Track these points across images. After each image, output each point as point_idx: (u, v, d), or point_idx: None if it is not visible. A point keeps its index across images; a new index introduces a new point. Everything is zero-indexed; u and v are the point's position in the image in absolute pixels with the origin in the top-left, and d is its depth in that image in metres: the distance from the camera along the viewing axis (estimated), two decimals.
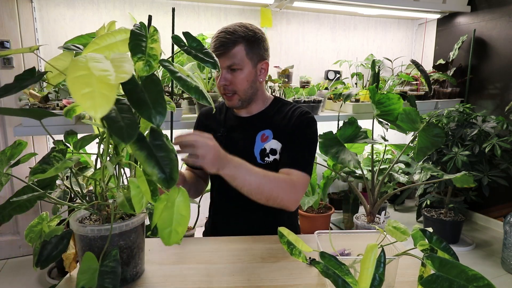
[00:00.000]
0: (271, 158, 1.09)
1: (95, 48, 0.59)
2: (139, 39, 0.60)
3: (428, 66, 2.74)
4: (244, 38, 1.01)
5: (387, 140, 1.81)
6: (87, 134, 0.77)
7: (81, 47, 0.71)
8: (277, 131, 1.09)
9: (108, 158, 0.69)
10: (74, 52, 0.69)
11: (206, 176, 1.29)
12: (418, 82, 2.42)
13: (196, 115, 1.52)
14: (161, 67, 0.64)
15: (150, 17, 0.73)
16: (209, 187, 1.28)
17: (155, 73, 0.60)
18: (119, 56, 0.54)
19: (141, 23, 0.63)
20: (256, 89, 1.10)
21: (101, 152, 0.70)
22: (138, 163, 0.71)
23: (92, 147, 0.78)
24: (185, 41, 0.70)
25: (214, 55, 0.70)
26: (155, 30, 0.64)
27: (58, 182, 0.79)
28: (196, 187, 1.20)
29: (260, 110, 1.15)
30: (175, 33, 0.71)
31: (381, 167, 1.98)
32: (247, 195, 0.91)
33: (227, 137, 1.14)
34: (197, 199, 1.97)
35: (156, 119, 0.54)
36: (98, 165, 0.73)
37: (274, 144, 1.09)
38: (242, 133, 1.13)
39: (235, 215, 1.15)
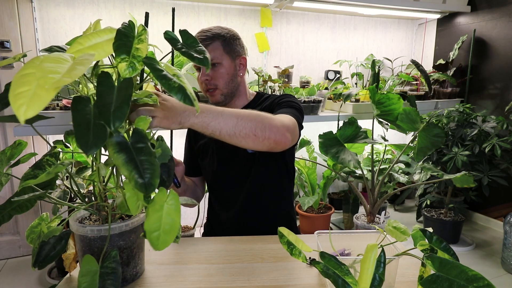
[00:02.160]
0: None
1: (78, 49, 0.55)
2: (125, 39, 0.57)
3: (428, 66, 2.74)
4: (220, 35, 1.08)
5: (387, 140, 1.81)
6: None
7: (66, 47, 0.67)
8: None
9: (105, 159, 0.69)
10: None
11: (203, 184, 1.29)
12: (418, 82, 2.42)
13: None
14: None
15: (147, 14, 0.72)
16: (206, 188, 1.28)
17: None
18: (85, 58, 0.50)
19: (130, 22, 0.61)
20: (238, 83, 1.13)
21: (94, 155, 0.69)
22: None
23: None
24: (180, 38, 0.68)
25: (207, 53, 0.67)
26: (144, 29, 0.61)
27: (58, 182, 0.79)
28: (193, 194, 1.20)
29: (243, 105, 1.17)
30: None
31: (381, 167, 1.98)
32: (230, 141, 0.80)
33: (214, 140, 1.14)
34: None
35: (114, 124, 0.50)
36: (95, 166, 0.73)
37: None
38: None
39: (231, 218, 1.15)
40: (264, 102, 1.15)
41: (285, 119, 0.91)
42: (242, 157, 1.11)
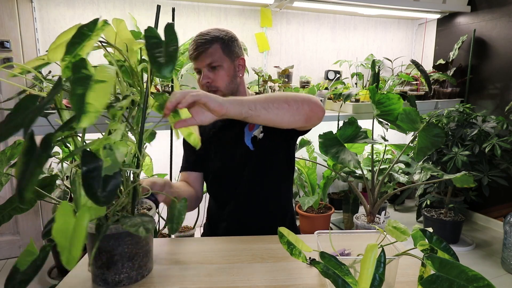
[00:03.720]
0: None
1: (56, 45, 0.60)
2: (78, 39, 0.57)
3: (428, 66, 2.74)
4: (218, 37, 1.09)
5: (387, 140, 1.81)
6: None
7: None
8: None
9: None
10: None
11: (201, 182, 1.24)
12: (418, 82, 2.42)
13: None
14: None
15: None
16: (205, 188, 1.27)
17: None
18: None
19: (96, 19, 0.59)
20: (237, 84, 1.14)
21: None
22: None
23: None
24: (162, 35, 0.61)
25: (174, 58, 0.57)
26: (104, 25, 0.61)
27: (58, 182, 0.79)
28: (193, 200, 1.15)
29: None
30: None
31: (381, 167, 1.98)
32: (267, 115, 0.83)
33: (217, 137, 1.16)
34: None
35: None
36: None
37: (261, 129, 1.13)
38: (231, 129, 1.16)
39: (231, 218, 1.15)
40: None
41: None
42: (242, 156, 1.11)
